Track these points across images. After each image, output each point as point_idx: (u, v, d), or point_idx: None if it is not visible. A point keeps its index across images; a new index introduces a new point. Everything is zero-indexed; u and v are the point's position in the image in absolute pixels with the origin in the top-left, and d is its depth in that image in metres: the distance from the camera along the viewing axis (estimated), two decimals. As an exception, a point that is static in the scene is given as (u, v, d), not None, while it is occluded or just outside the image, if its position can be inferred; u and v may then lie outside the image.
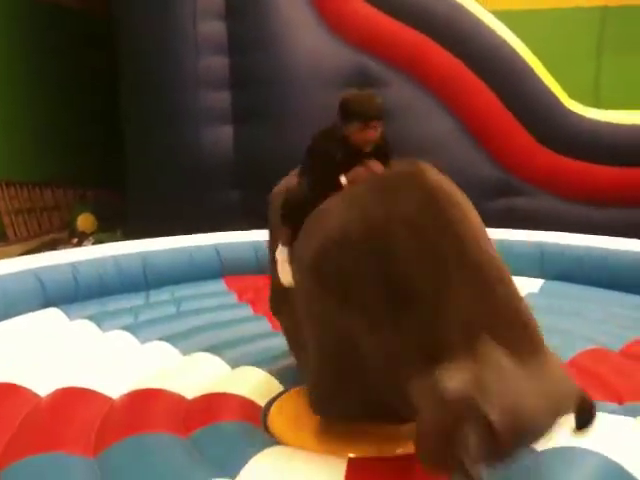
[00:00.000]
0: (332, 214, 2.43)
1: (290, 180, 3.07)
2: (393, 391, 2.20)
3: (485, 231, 2.26)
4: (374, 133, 2.60)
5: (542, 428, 1.93)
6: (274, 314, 3.37)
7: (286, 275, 2.77)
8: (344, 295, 2.28)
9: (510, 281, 2.15)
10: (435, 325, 2.01)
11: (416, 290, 2.07)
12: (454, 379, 1.84)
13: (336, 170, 2.60)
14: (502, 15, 7.91)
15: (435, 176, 2.25)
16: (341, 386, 2.51)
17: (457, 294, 2.02)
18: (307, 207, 2.61)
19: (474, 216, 2.25)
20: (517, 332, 2.02)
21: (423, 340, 2.02)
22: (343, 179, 2.58)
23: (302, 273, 2.52)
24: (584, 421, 2.05)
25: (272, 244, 3.16)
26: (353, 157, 2.62)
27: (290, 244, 2.75)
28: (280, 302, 3.10)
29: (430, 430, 1.86)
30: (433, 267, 2.07)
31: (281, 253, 2.80)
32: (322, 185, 2.60)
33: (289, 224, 2.74)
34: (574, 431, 2.08)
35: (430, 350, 1.99)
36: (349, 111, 2.61)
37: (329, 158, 2.61)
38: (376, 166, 2.62)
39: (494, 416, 1.76)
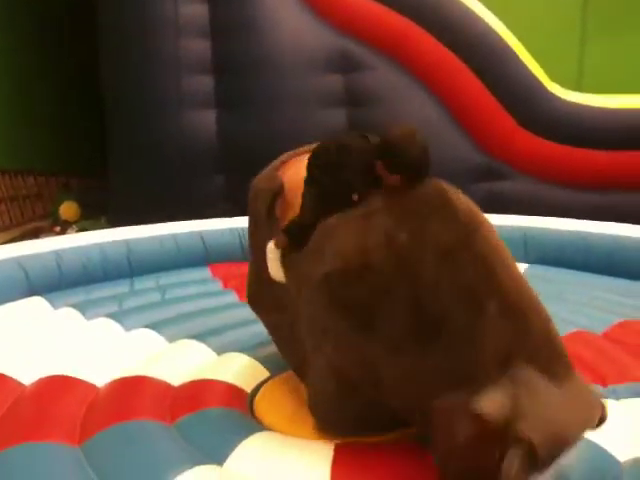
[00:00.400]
0: (345, 233, 2.30)
1: (270, 173, 2.95)
2: (407, 407, 2.25)
3: (509, 253, 2.24)
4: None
5: (574, 441, 2.01)
6: (251, 302, 3.31)
7: (277, 271, 2.71)
8: (364, 320, 2.23)
9: (540, 306, 2.18)
10: (468, 353, 2.06)
11: (448, 319, 2.09)
12: (492, 401, 1.90)
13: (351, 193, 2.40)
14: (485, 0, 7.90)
15: (463, 202, 2.21)
16: (347, 402, 2.49)
17: (491, 324, 2.06)
18: (313, 227, 2.49)
19: (498, 240, 2.23)
20: (549, 357, 2.08)
21: (453, 366, 2.07)
22: (355, 196, 2.39)
23: (311, 291, 2.40)
24: (600, 422, 2.13)
25: (253, 234, 3.12)
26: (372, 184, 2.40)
27: (284, 251, 2.67)
28: (260, 295, 3.07)
29: (464, 450, 1.93)
30: (467, 299, 2.09)
31: (273, 252, 2.71)
32: (331, 203, 2.43)
33: (291, 240, 2.63)
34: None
35: (461, 375, 2.04)
36: (397, 162, 2.26)
37: (349, 190, 2.39)
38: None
39: (534, 436, 1.84)
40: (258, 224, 2.94)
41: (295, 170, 2.76)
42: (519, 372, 2.00)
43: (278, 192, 2.78)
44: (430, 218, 2.16)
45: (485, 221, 2.23)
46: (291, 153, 2.98)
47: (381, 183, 2.35)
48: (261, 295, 3.05)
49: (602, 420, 2.13)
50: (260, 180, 2.96)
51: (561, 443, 1.93)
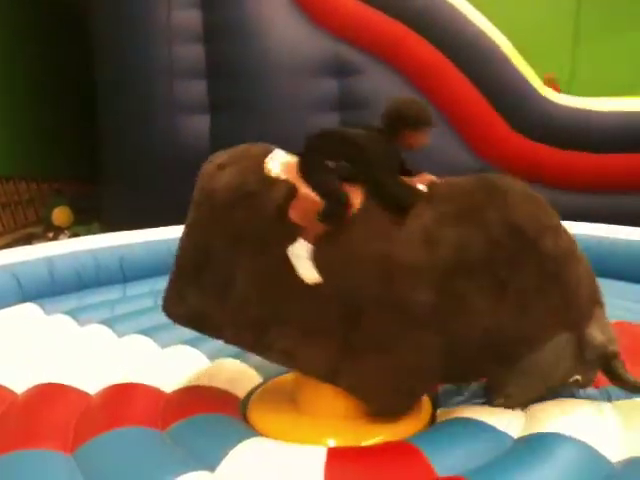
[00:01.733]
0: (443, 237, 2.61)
1: (228, 158, 2.89)
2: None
3: None
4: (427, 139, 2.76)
5: None
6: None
7: (309, 270, 2.63)
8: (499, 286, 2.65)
9: None
10: (574, 302, 2.70)
11: (562, 275, 2.68)
12: (599, 333, 2.74)
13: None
14: (478, 3, 7.92)
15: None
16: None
17: (583, 272, 2.76)
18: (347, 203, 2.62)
19: None
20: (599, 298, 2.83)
21: (565, 311, 2.69)
22: (421, 186, 2.70)
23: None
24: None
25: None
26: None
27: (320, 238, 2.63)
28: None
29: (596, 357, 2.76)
30: (572, 263, 2.73)
31: (303, 249, 2.62)
32: (398, 189, 2.65)
33: (333, 223, 2.62)
34: None
35: (565, 319, 2.70)
36: (411, 118, 2.71)
37: (392, 162, 2.70)
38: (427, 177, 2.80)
39: (617, 349, 2.78)
40: (241, 234, 2.76)
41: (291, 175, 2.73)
42: (597, 311, 2.78)
43: (292, 194, 2.69)
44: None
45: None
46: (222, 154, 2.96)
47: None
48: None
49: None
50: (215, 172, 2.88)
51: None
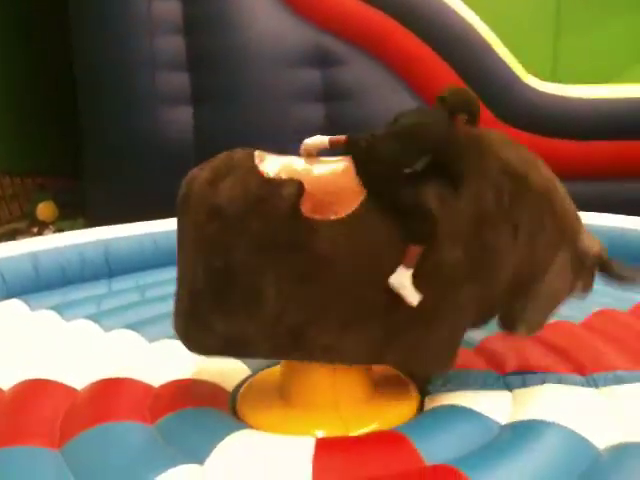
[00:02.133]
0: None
1: (215, 171, 2.80)
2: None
3: None
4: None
5: None
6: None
7: (414, 295, 2.60)
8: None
9: None
10: (566, 224, 2.93)
11: (554, 205, 2.93)
12: (592, 243, 2.99)
13: None
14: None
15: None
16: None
17: (564, 200, 3.00)
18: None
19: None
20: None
21: (561, 233, 2.92)
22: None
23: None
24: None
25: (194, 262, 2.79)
26: None
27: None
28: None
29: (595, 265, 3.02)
30: (557, 189, 3.00)
31: (407, 277, 2.58)
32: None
33: (423, 243, 2.59)
34: None
35: (562, 240, 2.92)
36: (474, 111, 2.81)
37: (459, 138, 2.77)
38: None
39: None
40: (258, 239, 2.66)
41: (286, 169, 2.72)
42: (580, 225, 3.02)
43: (301, 191, 2.65)
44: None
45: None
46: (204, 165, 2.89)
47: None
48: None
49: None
50: (244, 192, 2.69)
51: None
